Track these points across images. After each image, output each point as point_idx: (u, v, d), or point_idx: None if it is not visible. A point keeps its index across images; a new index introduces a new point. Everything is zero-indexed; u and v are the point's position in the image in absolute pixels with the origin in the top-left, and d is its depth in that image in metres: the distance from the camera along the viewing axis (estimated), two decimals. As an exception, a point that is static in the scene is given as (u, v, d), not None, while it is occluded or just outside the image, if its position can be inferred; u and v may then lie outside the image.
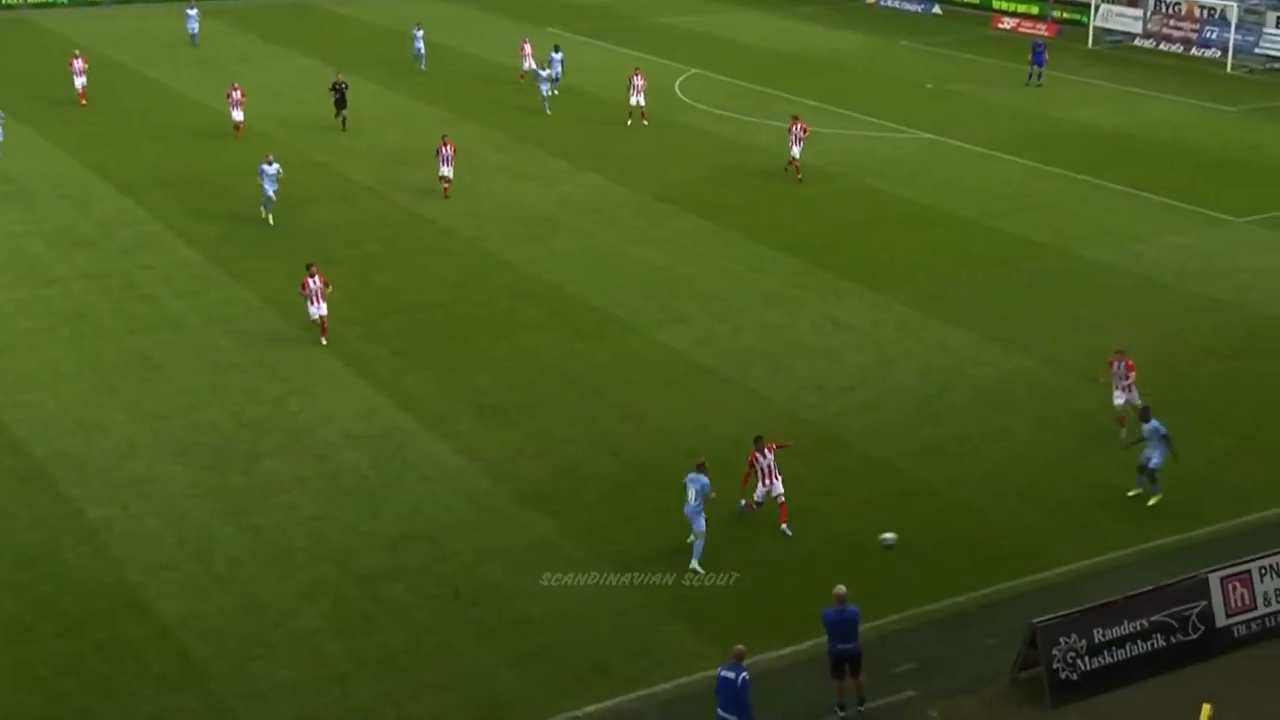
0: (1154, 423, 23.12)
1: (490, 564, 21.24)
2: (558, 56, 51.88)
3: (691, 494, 21.30)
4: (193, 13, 62.24)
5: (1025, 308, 31.87)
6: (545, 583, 20.61)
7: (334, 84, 46.87)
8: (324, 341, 29.03)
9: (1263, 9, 62.71)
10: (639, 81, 47.82)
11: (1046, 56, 56.00)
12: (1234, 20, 60.52)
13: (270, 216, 37.01)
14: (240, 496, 23.06)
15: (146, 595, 20.21)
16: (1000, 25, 70.17)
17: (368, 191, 40.47)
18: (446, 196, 38.70)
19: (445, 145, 39.10)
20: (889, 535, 20.96)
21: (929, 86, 55.80)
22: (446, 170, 39.00)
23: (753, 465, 22.30)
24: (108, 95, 51.45)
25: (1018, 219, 38.07)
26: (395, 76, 56.27)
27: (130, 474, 23.71)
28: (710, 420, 26.08)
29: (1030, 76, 55.38)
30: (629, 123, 47.49)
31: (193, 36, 61.58)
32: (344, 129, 46.07)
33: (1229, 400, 26.96)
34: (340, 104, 46.56)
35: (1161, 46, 63.90)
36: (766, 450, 22.29)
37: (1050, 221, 38.13)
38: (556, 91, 50.30)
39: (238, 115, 45.75)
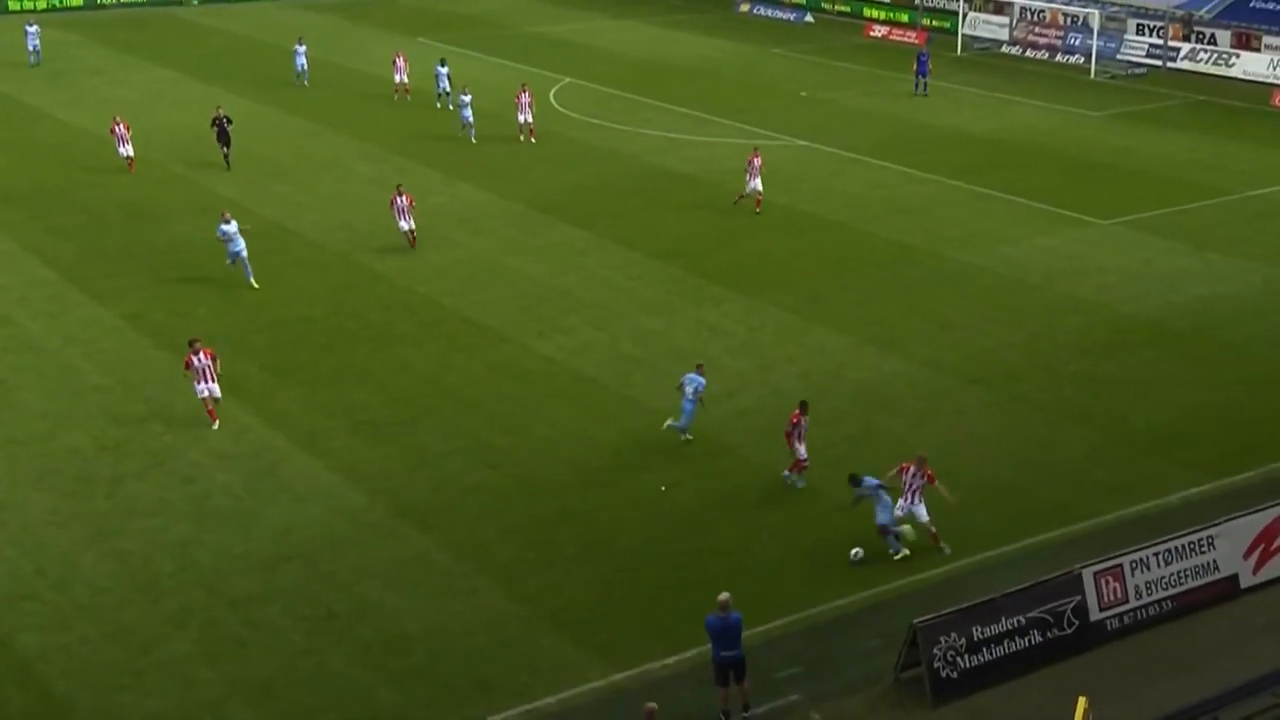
0: (865, 481, 21.73)
1: (368, 582, 20.95)
2: (444, 71, 51.13)
3: (689, 390, 24.81)
4: (32, 29, 59.18)
5: (901, 310, 32.45)
6: (423, 599, 20.38)
7: (215, 119, 43.24)
8: (215, 425, 25.70)
9: (1123, 16, 65.00)
10: (525, 99, 47.41)
11: (930, 65, 57.13)
12: (1096, 27, 62.43)
13: (251, 279, 33.19)
14: (103, 521, 22.44)
15: (3, 629, 19.53)
16: (872, 33, 71.51)
17: (232, 205, 39.70)
18: (413, 246, 35.70)
19: (400, 196, 35.52)
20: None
21: (802, 94, 56.61)
22: (405, 224, 35.53)
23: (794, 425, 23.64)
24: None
25: (892, 223, 38.78)
26: (268, 89, 55.34)
27: (-16, 502, 22.91)
28: (592, 428, 26.07)
29: (917, 87, 56.41)
30: (521, 138, 47.14)
31: (33, 53, 58.54)
32: (228, 167, 42.75)
33: (1096, 396, 27.74)
34: (223, 139, 43.03)
35: (1028, 53, 65.70)
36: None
37: (923, 225, 38.91)
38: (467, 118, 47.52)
39: (126, 150, 42.40)
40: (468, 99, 47.36)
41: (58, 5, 74.21)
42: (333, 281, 33.75)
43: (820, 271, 35.15)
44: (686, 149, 47.21)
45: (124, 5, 76.14)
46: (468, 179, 42.67)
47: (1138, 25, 64.19)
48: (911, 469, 21.88)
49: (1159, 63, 62.15)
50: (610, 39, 69.14)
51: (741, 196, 39.24)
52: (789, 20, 75.87)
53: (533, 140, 47.15)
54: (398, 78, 53.23)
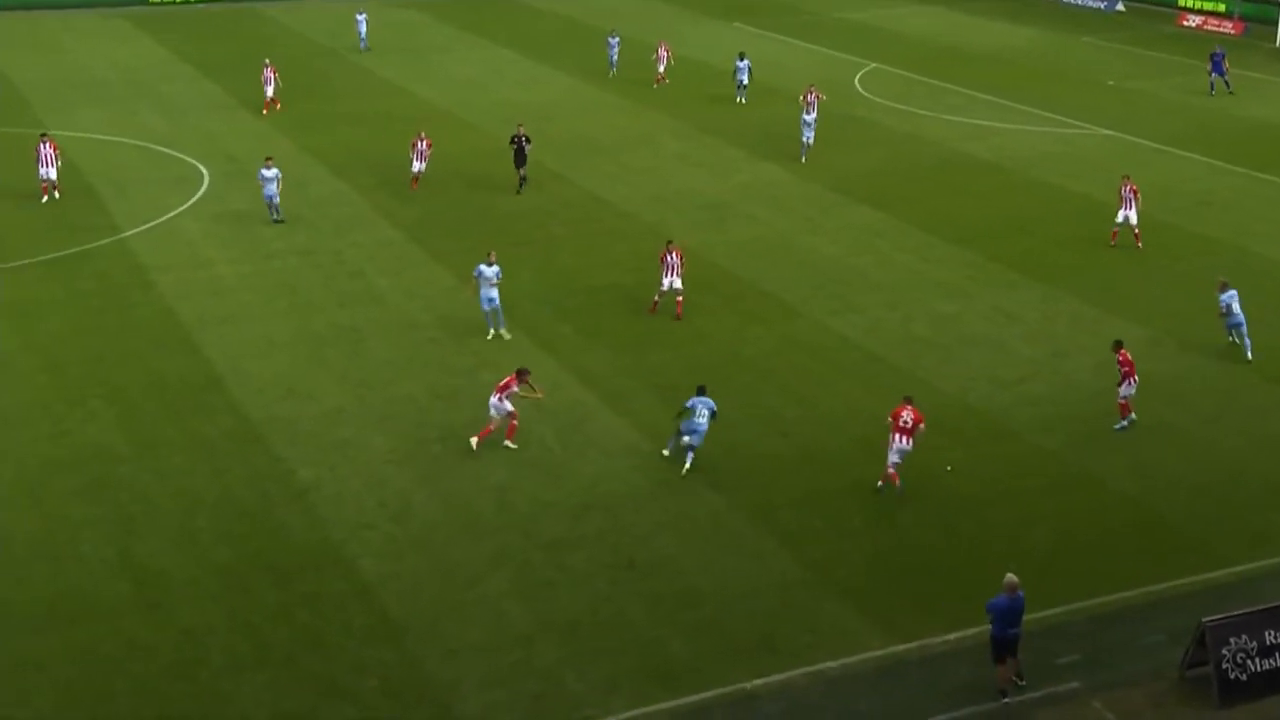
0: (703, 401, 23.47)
1: (663, 536, 21.45)
2: (744, 65, 49.60)
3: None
4: (361, 17, 61.00)
5: (1201, 305, 30.57)
6: (714, 557, 20.71)
7: (514, 137, 39.22)
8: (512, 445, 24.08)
9: None
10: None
11: (1226, 65, 52.41)
12: None
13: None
14: (435, 464, 23.71)
15: (349, 553, 20.98)
16: (1185, 23, 67.34)
17: (555, 177, 41.04)
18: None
19: (671, 253, 30.18)
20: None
21: (1109, 83, 53.91)
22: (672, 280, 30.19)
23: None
24: (312, 84, 53.11)
25: (1196, 215, 36.60)
26: (585, 73, 56.82)
27: (337, 439, 24.59)
28: (880, 407, 25.67)
29: (1212, 88, 52.06)
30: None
31: (362, 39, 60.43)
32: (520, 191, 38.85)
33: None
34: (520, 160, 38.89)
35: (1353, 43, 60.50)
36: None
37: (1230, 219, 36.54)
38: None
39: (419, 166, 39.14)
40: (808, 119, 42.52)
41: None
42: (640, 251, 34.39)
43: (1119, 262, 33.54)
44: (989, 136, 45.78)
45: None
46: (771, 159, 42.66)
47: None
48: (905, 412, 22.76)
49: None
50: (915, 24, 67.58)
51: (1115, 231, 34.28)
52: (1099, 8, 72.26)
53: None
54: (660, 67, 52.67)
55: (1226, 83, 52.19)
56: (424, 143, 39.51)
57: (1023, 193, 39.22)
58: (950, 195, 39.11)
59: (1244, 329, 27.75)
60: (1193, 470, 23.45)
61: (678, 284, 29.73)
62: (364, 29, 60.79)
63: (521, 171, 39.25)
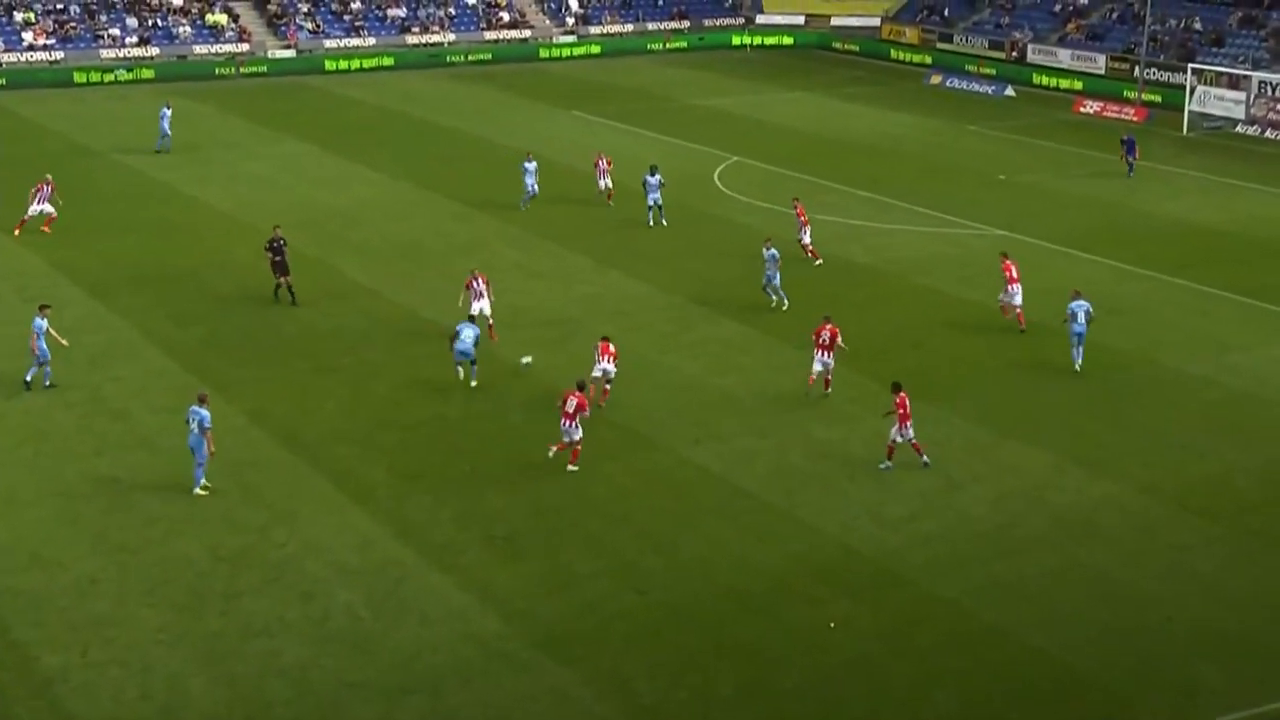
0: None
1: None
2: (654, 180, 47.86)
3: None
4: (168, 112, 59.99)
5: (1110, 425, 31.76)
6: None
7: (270, 241, 39.79)
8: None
9: (1384, 91, 63.19)
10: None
11: (1138, 152, 56.35)
12: (1351, 104, 61.00)
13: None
14: (215, 642, 23.03)
15: (105, 756, 20.14)
16: (1082, 109, 70.95)
17: (365, 292, 40.93)
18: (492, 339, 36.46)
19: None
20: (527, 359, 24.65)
21: (1001, 177, 56.31)
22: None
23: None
24: (74, 187, 52.31)
25: (1101, 325, 37.98)
26: (403, 170, 57.18)
27: (91, 615, 23.73)
28: (752, 551, 25.98)
29: (1130, 169, 55.96)
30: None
31: (163, 137, 59.24)
32: (293, 301, 39.27)
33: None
34: (279, 268, 39.40)
35: (1268, 134, 64.41)
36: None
37: (1138, 328, 38.16)
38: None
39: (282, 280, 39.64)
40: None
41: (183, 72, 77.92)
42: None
43: (1016, 378, 34.67)
44: (867, 236, 47.26)
45: (258, 75, 79.62)
46: (619, 266, 43.28)
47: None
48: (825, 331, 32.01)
49: None
50: (781, 112, 69.92)
51: (1012, 311, 37.78)
52: (986, 93, 75.78)
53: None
54: (602, 182, 50.54)
55: (1130, 165, 55.68)
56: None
57: (908, 300, 40.41)
58: (826, 305, 39.83)
59: (1082, 339, 34.15)
60: (1111, 617, 24.02)
61: (611, 369, 31.82)
62: (167, 124, 59.22)
63: (284, 280, 39.50)
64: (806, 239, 43.28)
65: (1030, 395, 33.58)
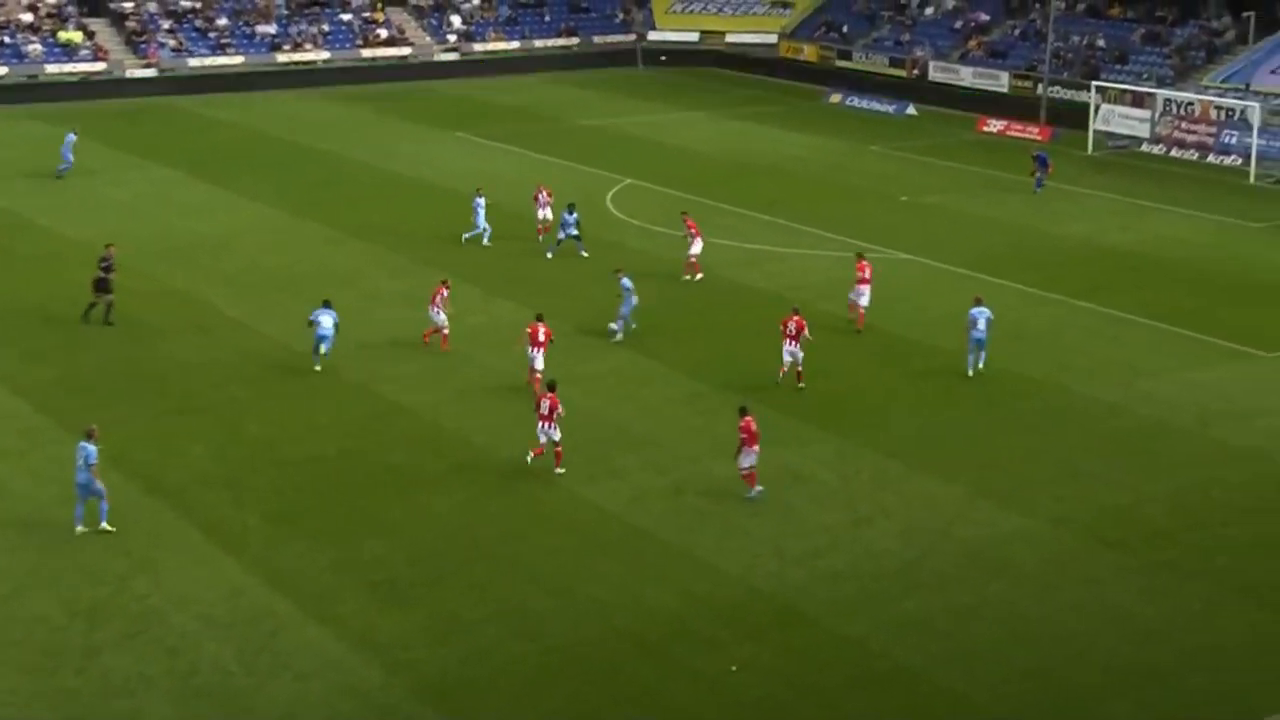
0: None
1: (380, 776, 20.87)
2: (572, 218, 47.59)
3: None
4: (72, 138, 58.78)
5: (1020, 455, 32.22)
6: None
7: (102, 259, 40.83)
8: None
9: (1291, 109, 64.97)
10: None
11: (1051, 167, 58.12)
12: (1256, 123, 62.53)
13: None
14: (72, 702, 22.48)
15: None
16: (986, 128, 72.23)
17: (236, 325, 40.45)
18: (445, 349, 37.83)
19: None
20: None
21: (903, 199, 57.09)
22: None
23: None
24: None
25: (1010, 351, 38.68)
26: (276, 196, 56.67)
27: (-68, 678, 23.10)
28: (649, 592, 25.95)
29: (1039, 184, 57.77)
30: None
31: (66, 162, 58.09)
32: (106, 320, 39.67)
33: (1262, 566, 27.25)
34: (102, 286, 39.96)
35: (1174, 153, 65.99)
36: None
37: (1047, 353, 38.80)
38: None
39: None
40: (572, 218, 47.22)
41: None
42: (348, 415, 34.07)
43: (926, 407, 35.08)
44: (767, 261, 47.62)
45: (116, 96, 78.49)
46: (509, 295, 43.19)
47: (1308, 120, 64.20)
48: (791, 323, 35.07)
49: (1335, 164, 62.10)
50: (678, 133, 70.34)
51: (856, 309, 40.64)
52: (888, 112, 76.88)
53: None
54: (541, 214, 49.79)
55: (1039, 181, 57.35)
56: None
57: (811, 328, 40.65)
58: (726, 334, 40.27)
59: (983, 345, 36.29)
60: (1023, 654, 24.28)
61: (555, 435, 30.62)
62: (70, 150, 58.22)
63: (105, 299, 39.79)
64: (696, 250, 44.59)
65: (940, 425, 33.98)
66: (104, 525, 27.75)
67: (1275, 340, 39.86)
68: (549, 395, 30.47)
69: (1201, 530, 28.62)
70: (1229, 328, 40.76)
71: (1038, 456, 32.14)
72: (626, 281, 39.30)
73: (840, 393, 35.91)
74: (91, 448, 27.62)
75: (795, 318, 35.45)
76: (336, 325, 36.24)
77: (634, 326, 39.31)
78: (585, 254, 47.18)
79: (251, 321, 40.76)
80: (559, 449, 30.44)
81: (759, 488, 29.43)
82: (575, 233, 47.44)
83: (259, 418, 33.94)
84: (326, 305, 36.65)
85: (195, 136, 68.23)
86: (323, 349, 36.31)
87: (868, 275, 40.36)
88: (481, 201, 49.15)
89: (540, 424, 30.37)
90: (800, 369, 35.38)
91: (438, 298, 38.27)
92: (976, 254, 48.35)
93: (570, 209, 47.77)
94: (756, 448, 29.28)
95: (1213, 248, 50.28)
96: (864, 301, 40.18)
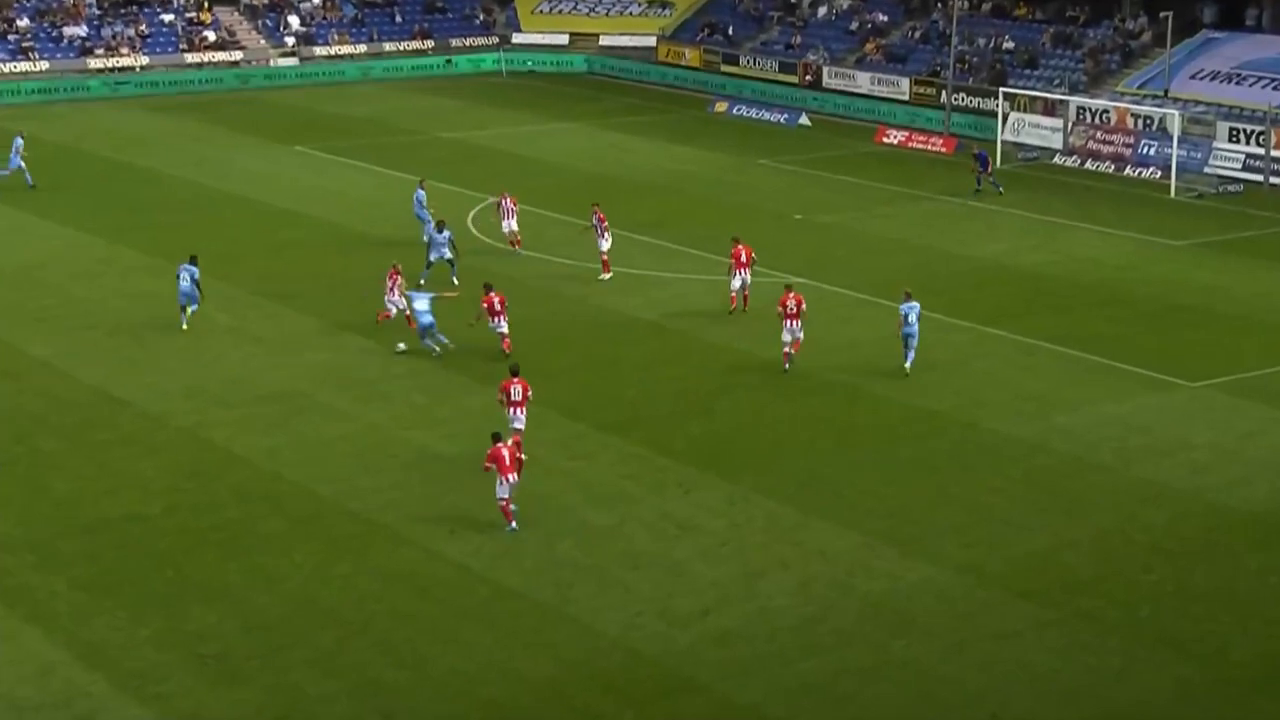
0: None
1: None
2: (444, 237, 47.02)
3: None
4: (19, 142, 60.03)
5: (926, 498, 32.58)
6: None
7: None
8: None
9: (1211, 119, 66.39)
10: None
11: (992, 165, 61.36)
12: (1176, 133, 63.79)
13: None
14: None
15: None
16: (886, 139, 73.28)
17: (43, 367, 39.79)
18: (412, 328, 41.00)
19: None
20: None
21: (797, 217, 57.71)
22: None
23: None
24: None
25: (913, 383, 39.21)
26: (90, 220, 55.87)
27: None
28: (518, 659, 25.87)
29: (979, 184, 60.64)
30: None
31: (10, 167, 59.50)
32: None
33: (1186, 615, 27.75)
34: None
35: (1088, 165, 67.44)
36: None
37: (955, 385, 39.36)
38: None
39: None
40: (445, 236, 46.81)
41: None
42: (174, 466, 33.66)
43: (821, 447, 35.38)
44: (648, 288, 47.83)
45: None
46: (355, 328, 42.94)
47: (1230, 130, 65.62)
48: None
49: (1258, 177, 63.60)
50: (548, 147, 70.56)
51: (734, 297, 44.23)
52: (778, 122, 77.74)
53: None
54: (506, 224, 50.71)
55: (994, 183, 60.32)
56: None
57: (696, 360, 40.99)
58: (602, 369, 40.37)
59: (914, 341, 39.25)
60: (932, 717, 24.55)
61: (513, 478, 30.63)
62: (18, 156, 58.54)
63: None
64: (605, 246, 47.85)
65: (838, 465, 34.29)
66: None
67: (1198, 369, 40.72)
68: (517, 379, 33.68)
69: (1122, 578, 29.14)
70: (1150, 355, 41.60)
71: (945, 499, 32.53)
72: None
73: (726, 432, 36.11)
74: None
75: (792, 294, 39.06)
76: (195, 281, 41.09)
77: (447, 342, 40.90)
78: (456, 281, 46.26)
79: (61, 363, 40.14)
80: (518, 435, 32.87)
81: (513, 524, 30.47)
82: (449, 255, 47.03)
83: (69, 473, 33.42)
84: (192, 261, 42.01)
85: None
86: (189, 309, 41.42)
87: (745, 260, 44.07)
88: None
89: (511, 410, 33.38)
90: (798, 342, 39.48)
91: (391, 283, 41.88)
92: (877, 277, 48.92)
93: (440, 227, 47.36)
94: (513, 476, 30.20)
95: (1131, 268, 51.35)
96: (736, 285, 44.08)
